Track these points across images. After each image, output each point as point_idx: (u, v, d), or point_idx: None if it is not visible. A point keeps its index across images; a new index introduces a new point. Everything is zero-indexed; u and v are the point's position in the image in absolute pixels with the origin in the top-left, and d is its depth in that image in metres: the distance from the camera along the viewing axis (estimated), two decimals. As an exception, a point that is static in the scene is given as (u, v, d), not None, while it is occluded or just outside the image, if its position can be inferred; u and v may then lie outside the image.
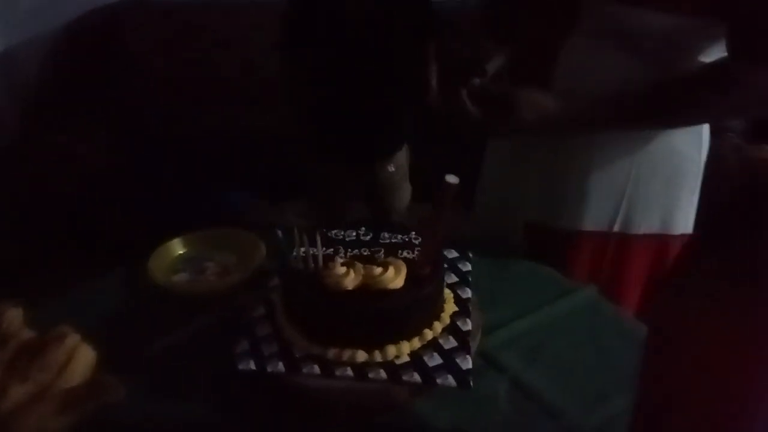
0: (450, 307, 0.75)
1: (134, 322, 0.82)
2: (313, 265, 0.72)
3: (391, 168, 1.48)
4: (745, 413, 0.47)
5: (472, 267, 0.85)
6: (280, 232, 0.73)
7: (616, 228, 0.95)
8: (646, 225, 0.95)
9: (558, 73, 0.88)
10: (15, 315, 0.65)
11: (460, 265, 0.84)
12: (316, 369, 0.68)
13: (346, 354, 0.68)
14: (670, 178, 0.93)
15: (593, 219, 0.95)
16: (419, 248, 0.76)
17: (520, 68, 0.90)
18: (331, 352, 0.68)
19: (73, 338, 0.67)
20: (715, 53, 0.82)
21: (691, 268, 0.45)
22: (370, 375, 0.67)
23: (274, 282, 0.82)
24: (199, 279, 0.92)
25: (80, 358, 0.67)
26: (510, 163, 1.03)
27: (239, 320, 0.77)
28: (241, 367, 0.69)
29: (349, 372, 0.67)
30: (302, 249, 0.73)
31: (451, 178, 0.65)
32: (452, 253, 0.86)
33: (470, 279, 0.82)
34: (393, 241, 0.78)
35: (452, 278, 0.81)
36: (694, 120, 0.89)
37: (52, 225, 1.46)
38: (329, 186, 1.54)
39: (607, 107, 0.84)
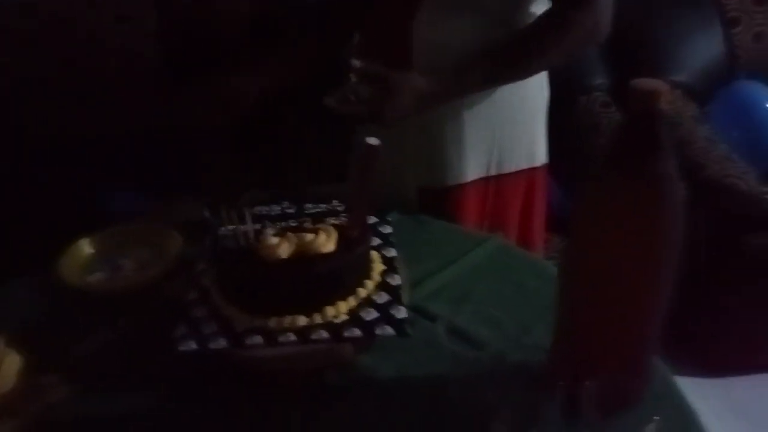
0: (378, 266, 0.79)
1: (56, 325, 0.79)
2: (244, 240, 0.73)
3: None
4: (646, 305, 0.55)
5: (392, 229, 0.89)
6: (207, 212, 0.73)
7: (492, 172, 1.06)
8: (516, 163, 1.08)
9: (415, 48, 0.95)
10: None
11: (380, 229, 0.88)
12: (259, 339, 0.69)
13: (287, 320, 0.70)
14: (527, 120, 1.07)
15: (472, 170, 1.05)
16: (344, 214, 0.79)
17: (379, 51, 0.96)
18: (273, 321, 0.70)
19: (-1, 344, 0.64)
20: (541, 3, 0.95)
21: (599, 185, 0.53)
22: (313, 337, 0.70)
23: (200, 267, 0.82)
24: (116, 276, 0.90)
25: (8, 364, 0.64)
26: (384, 135, 1.08)
27: (171, 308, 0.76)
28: (182, 348, 0.69)
29: (292, 337, 0.70)
30: (231, 226, 0.74)
31: (373, 140, 0.69)
32: (371, 219, 0.90)
33: (392, 240, 0.86)
34: (317, 210, 0.81)
35: (376, 241, 0.85)
36: (545, 63, 0.99)
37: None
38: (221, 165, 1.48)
39: (473, 72, 0.92)
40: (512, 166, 1.07)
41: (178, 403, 0.69)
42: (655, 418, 0.54)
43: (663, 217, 0.52)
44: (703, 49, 1.81)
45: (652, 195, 0.52)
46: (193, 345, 0.69)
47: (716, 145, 1.60)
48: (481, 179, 1.06)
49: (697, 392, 0.71)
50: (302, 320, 0.70)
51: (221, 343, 0.69)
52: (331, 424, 0.67)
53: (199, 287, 0.78)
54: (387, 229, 0.88)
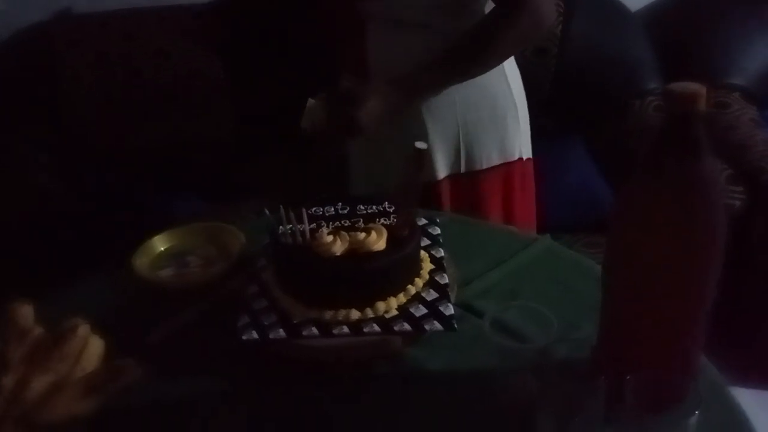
0: (427, 265, 0.83)
1: (130, 314, 0.86)
2: (301, 238, 0.78)
3: None
4: (689, 306, 0.57)
5: (441, 230, 0.92)
6: (267, 212, 0.78)
7: (462, 169, 1.12)
8: (487, 159, 1.13)
9: (370, 60, 1.03)
10: (28, 312, 0.69)
11: (429, 230, 0.92)
12: (315, 330, 0.74)
13: (341, 314, 0.75)
14: (492, 117, 1.11)
15: (443, 167, 1.11)
16: (395, 214, 0.83)
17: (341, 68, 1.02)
18: (328, 314, 0.75)
19: (84, 329, 0.71)
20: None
21: (638, 187, 0.55)
22: (365, 329, 0.74)
23: (260, 263, 0.87)
24: (184, 272, 0.96)
25: (93, 347, 0.71)
26: (361, 143, 1.14)
27: (234, 301, 0.82)
28: (244, 337, 0.74)
29: (346, 329, 0.74)
30: (289, 226, 0.79)
31: (421, 144, 0.72)
32: (421, 220, 0.93)
33: (441, 240, 0.90)
34: (369, 211, 0.85)
35: (425, 241, 0.88)
36: (495, 58, 1.05)
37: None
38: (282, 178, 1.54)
39: (432, 72, 0.99)
40: (483, 163, 1.13)
41: (239, 386, 0.74)
42: (695, 412, 0.55)
43: (702, 218, 0.53)
44: (762, 52, 1.76)
45: (691, 197, 0.53)
46: (254, 334, 0.74)
47: (777, 148, 1.56)
48: (453, 175, 1.12)
49: (760, 403, 0.71)
50: (355, 314, 0.74)
51: (280, 333, 0.74)
52: (379, 412, 0.71)
53: (259, 281, 0.83)
54: (436, 230, 0.92)
